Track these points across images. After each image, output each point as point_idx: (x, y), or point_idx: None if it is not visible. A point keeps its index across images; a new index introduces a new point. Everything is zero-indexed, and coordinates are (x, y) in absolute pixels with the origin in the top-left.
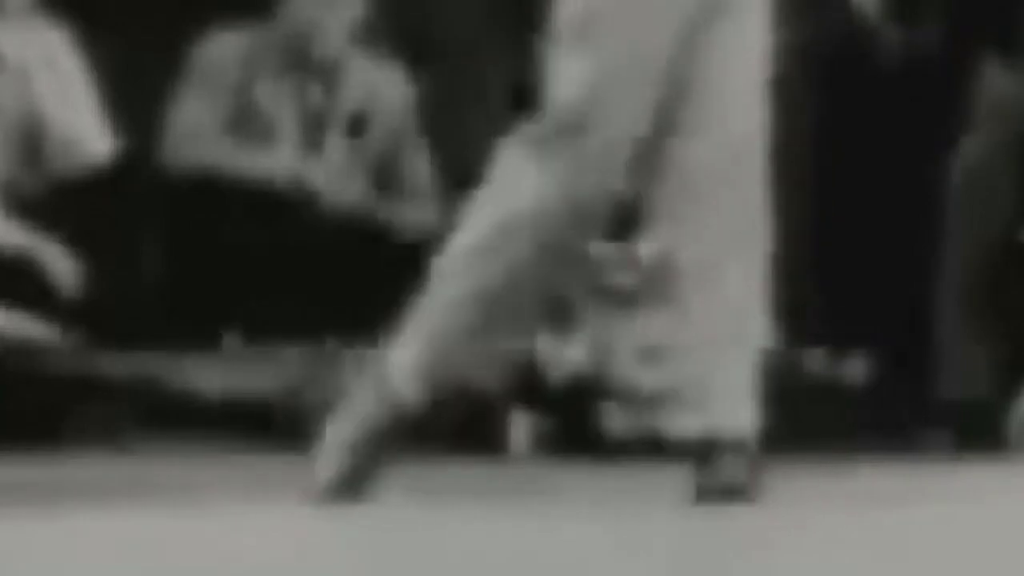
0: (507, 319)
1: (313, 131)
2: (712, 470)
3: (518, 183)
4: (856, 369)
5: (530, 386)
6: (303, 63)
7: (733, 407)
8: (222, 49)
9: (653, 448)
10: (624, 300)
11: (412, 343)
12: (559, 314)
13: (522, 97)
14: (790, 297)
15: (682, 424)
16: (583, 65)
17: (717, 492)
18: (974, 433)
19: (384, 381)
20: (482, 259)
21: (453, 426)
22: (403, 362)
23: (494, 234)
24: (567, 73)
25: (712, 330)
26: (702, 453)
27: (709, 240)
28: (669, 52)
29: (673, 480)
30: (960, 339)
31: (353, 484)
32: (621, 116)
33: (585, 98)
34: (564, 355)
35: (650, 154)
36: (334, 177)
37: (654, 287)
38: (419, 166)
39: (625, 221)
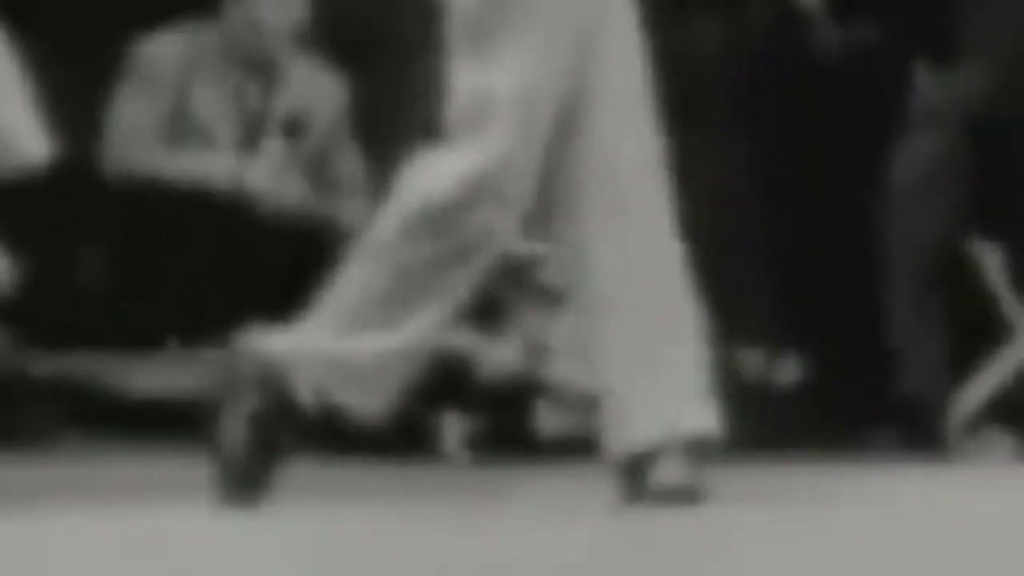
0: (406, 315)
1: (251, 132)
2: (656, 473)
3: (425, 180)
4: (790, 369)
5: (462, 386)
6: (242, 64)
7: (678, 408)
8: (160, 50)
9: (588, 448)
10: (555, 299)
11: (306, 336)
12: (491, 313)
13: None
14: (727, 297)
15: (617, 431)
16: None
17: (663, 495)
18: (918, 433)
19: (273, 376)
20: (382, 255)
21: (384, 426)
22: (293, 355)
23: (396, 231)
24: (466, 78)
25: (641, 332)
26: (643, 456)
27: (626, 243)
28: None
29: (608, 481)
30: (904, 339)
31: (248, 482)
32: (518, 120)
33: (479, 104)
34: (496, 355)
35: (554, 158)
36: (272, 178)
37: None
38: (352, 166)
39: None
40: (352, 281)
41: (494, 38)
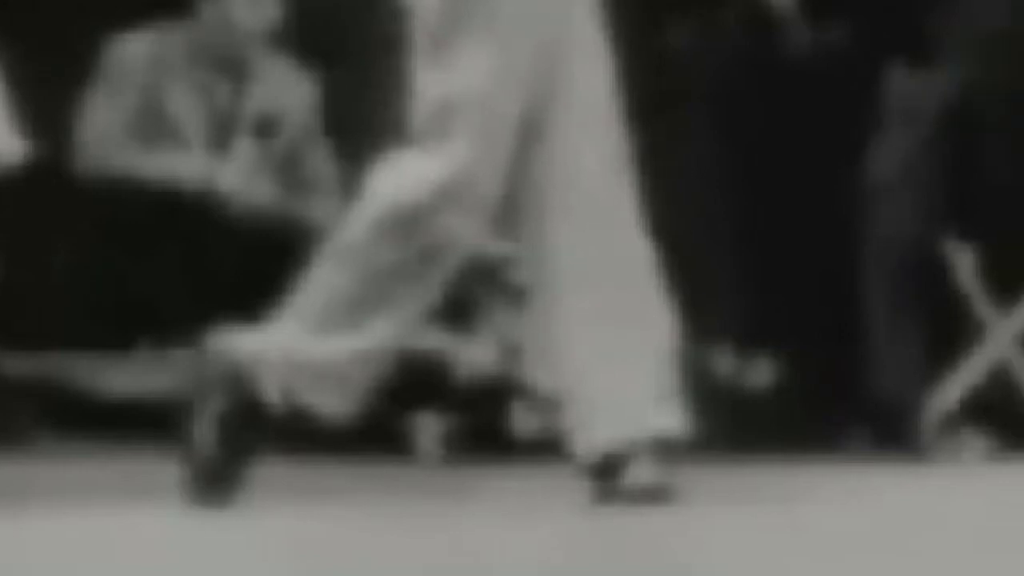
0: (373, 316)
1: (222, 132)
2: (627, 473)
3: (392, 184)
4: (762, 369)
5: (437, 386)
6: (213, 64)
7: (644, 409)
8: (132, 51)
9: (563, 448)
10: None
11: (273, 337)
12: (465, 314)
13: None
14: (700, 298)
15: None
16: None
17: (634, 495)
18: (892, 433)
19: (240, 377)
20: (350, 257)
21: (357, 426)
22: (260, 356)
23: (364, 234)
24: (429, 82)
25: (607, 334)
26: (613, 457)
27: (592, 244)
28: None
29: (582, 481)
30: (878, 339)
31: (218, 482)
32: (479, 126)
33: (441, 109)
34: (471, 355)
35: (521, 160)
36: (243, 178)
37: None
38: (323, 166)
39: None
40: (320, 282)
41: (454, 43)
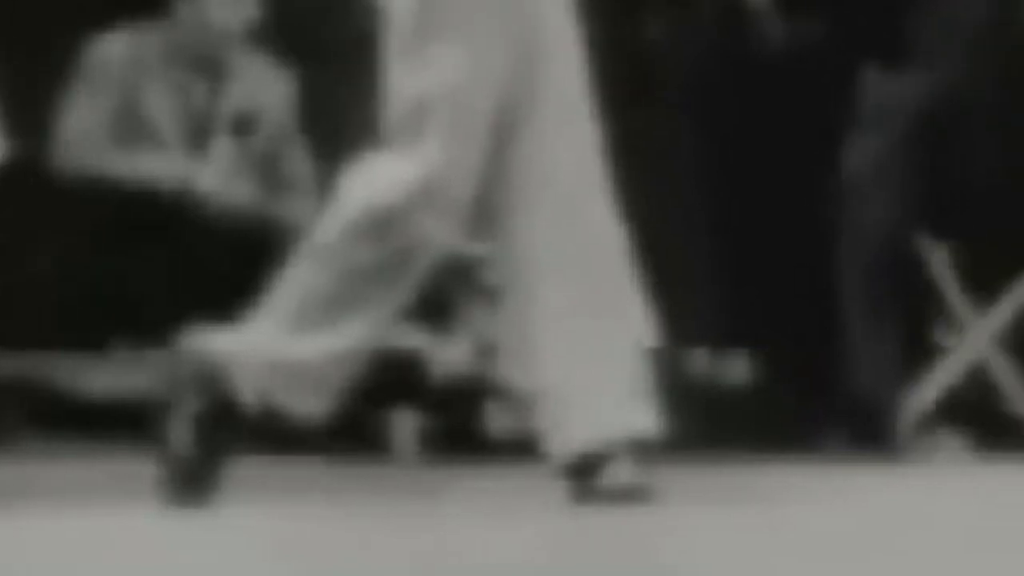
0: (348, 316)
1: (200, 132)
2: (605, 473)
3: (366, 185)
4: (738, 368)
5: (412, 385)
6: (190, 63)
7: (618, 409)
8: (109, 51)
9: (538, 448)
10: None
11: (248, 337)
12: (440, 314)
13: None
14: (676, 295)
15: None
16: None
17: (611, 495)
18: (868, 432)
19: (215, 377)
20: (325, 257)
21: (334, 426)
22: (236, 356)
23: (339, 234)
24: (402, 82)
25: (581, 334)
26: (590, 457)
27: (567, 244)
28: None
29: (557, 481)
30: (855, 337)
31: (195, 481)
32: (452, 127)
33: (414, 109)
34: (446, 355)
35: (496, 159)
36: (221, 178)
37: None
38: (301, 165)
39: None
40: (295, 282)
41: (428, 43)
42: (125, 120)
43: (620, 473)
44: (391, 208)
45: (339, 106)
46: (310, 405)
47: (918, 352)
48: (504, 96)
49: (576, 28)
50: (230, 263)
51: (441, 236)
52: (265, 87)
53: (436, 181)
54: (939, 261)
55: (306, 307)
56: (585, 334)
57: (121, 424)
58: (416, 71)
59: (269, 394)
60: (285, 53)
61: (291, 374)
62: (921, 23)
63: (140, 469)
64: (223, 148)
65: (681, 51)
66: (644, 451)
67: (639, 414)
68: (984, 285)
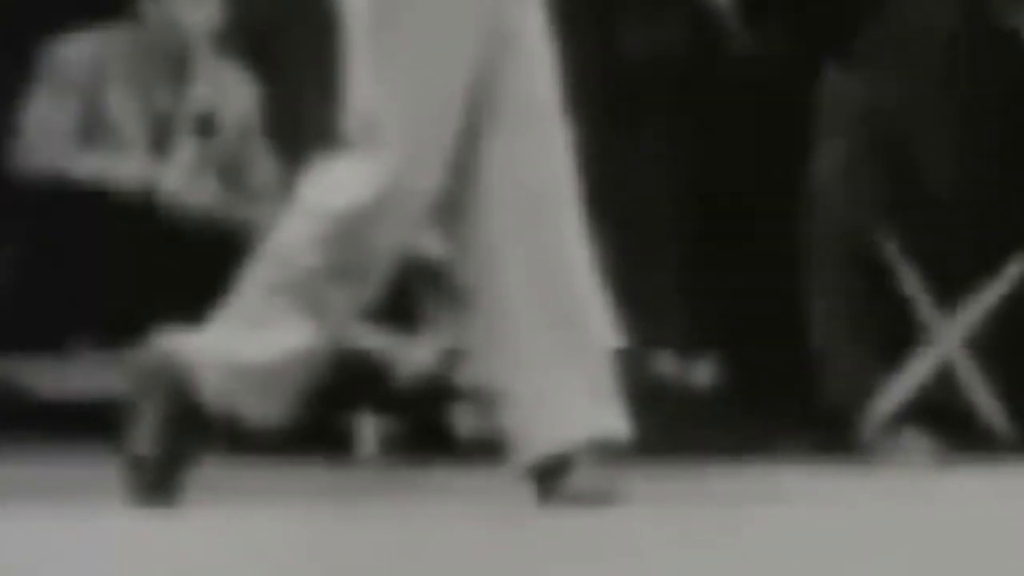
0: (309, 319)
1: (163, 133)
2: (571, 476)
3: (327, 188)
4: (705, 372)
5: (378, 387)
6: (154, 65)
7: (585, 412)
8: (73, 52)
9: (504, 449)
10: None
11: (208, 339)
12: (406, 316)
13: None
14: (643, 298)
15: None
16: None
17: (577, 497)
18: (835, 435)
19: (177, 378)
20: (286, 260)
21: (299, 427)
22: (195, 358)
23: (300, 238)
24: (364, 83)
25: (547, 336)
26: (556, 459)
27: (533, 247)
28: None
29: (524, 483)
30: (822, 341)
31: (159, 483)
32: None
33: (374, 117)
34: (413, 355)
35: (463, 163)
36: (184, 180)
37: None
38: (265, 167)
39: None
40: (255, 285)
41: (388, 47)
42: (89, 121)
43: (585, 476)
44: (350, 211)
45: (301, 109)
46: (267, 408)
47: (885, 355)
48: (468, 97)
49: (546, 31)
50: (193, 264)
51: (401, 239)
52: (228, 89)
53: (396, 185)
54: (906, 263)
55: (266, 309)
56: (551, 336)
57: (85, 425)
58: (376, 75)
59: (228, 396)
60: (248, 56)
61: (249, 377)
62: (885, 25)
63: (103, 470)
64: (186, 149)
65: (650, 59)
66: (610, 453)
67: (605, 416)
68: (952, 287)
